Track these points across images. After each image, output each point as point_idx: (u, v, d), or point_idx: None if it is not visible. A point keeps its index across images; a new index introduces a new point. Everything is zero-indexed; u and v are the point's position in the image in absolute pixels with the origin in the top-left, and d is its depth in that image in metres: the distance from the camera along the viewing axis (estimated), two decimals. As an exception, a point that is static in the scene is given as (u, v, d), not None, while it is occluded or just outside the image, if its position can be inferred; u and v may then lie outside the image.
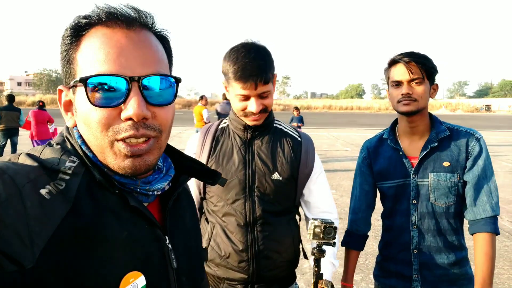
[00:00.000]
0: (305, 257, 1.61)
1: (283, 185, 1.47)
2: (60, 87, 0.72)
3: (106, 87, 0.63)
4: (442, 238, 1.58)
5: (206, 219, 1.55)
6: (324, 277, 1.39)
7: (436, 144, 1.58)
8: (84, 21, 0.66)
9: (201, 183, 1.52)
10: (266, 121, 1.50)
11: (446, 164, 1.56)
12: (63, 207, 0.59)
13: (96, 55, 0.64)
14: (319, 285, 1.31)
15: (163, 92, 0.68)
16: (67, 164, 0.64)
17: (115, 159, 0.66)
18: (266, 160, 1.47)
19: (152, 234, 0.71)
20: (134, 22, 0.68)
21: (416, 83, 1.54)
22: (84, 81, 0.62)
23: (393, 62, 1.59)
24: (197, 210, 1.60)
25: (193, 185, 1.56)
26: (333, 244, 1.25)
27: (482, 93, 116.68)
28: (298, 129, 1.62)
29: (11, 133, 9.90)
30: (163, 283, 0.72)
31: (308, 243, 1.76)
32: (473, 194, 1.54)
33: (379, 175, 1.70)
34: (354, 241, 1.79)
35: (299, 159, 1.51)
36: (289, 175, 1.48)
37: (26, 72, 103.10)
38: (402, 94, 1.54)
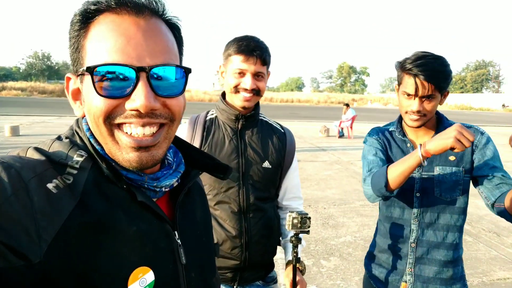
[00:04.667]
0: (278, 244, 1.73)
1: (271, 173, 1.57)
2: (68, 74, 0.70)
3: (113, 76, 0.61)
4: (442, 234, 1.57)
5: None
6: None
7: None
8: (93, 7, 0.64)
9: None
10: (255, 111, 1.59)
11: (452, 158, 1.56)
12: (71, 201, 0.58)
13: (104, 43, 0.62)
14: (298, 266, 1.50)
15: (172, 83, 0.67)
16: (75, 158, 0.64)
17: (119, 150, 0.65)
18: (257, 149, 1.56)
19: (161, 229, 0.71)
20: (144, 9, 0.65)
21: (427, 99, 1.49)
22: (90, 70, 0.61)
23: (407, 72, 1.50)
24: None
25: None
26: (308, 232, 1.42)
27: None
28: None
29: None
30: (172, 278, 0.72)
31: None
32: (493, 176, 1.48)
33: (389, 163, 1.59)
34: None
35: (285, 148, 1.62)
36: (277, 164, 1.58)
37: None
38: (412, 110, 1.50)
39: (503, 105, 61.75)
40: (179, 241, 0.75)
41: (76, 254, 0.57)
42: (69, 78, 0.71)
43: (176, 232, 0.75)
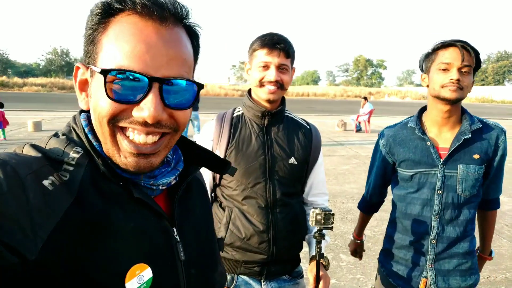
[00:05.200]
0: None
1: (297, 169, 1.59)
2: (78, 63, 0.69)
3: (125, 82, 0.61)
4: (461, 228, 1.59)
5: (220, 205, 1.62)
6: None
7: (469, 136, 1.55)
8: (117, 5, 0.63)
9: None
10: (280, 108, 1.61)
11: (476, 156, 1.56)
12: (67, 198, 0.58)
13: (123, 45, 0.61)
14: (321, 261, 1.52)
15: (183, 96, 0.67)
16: (71, 154, 0.63)
17: (118, 153, 0.65)
18: (283, 145, 1.58)
19: (158, 225, 0.70)
20: (169, 17, 0.64)
21: (466, 71, 1.48)
22: (104, 73, 0.60)
23: (445, 45, 1.52)
24: (209, 198, 1.70)
25: (208, 172, 1.61)
26: (331, 228, 1.44)
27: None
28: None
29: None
30: (171, 275, 0.71)
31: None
32: (495, 181, 1.65)
33: (403, 162, 1.67)
34: (368, 207, 1.94)
35: (311, 145, 1.64)
36: (303, 160, 1.60)
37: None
38: (450, 79, 1.47)
39: (526, 98, 59.98)
40: (177, 237, 0.74)
41: (73, 251, 0.56)
42: (78, 68, 0.70)
43: (174, 229, 0.74)
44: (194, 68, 0.73)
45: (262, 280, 1.61)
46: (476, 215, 1.68)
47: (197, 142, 1.64)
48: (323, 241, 1.49)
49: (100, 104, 0.63)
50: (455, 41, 1.49)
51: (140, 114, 0.62)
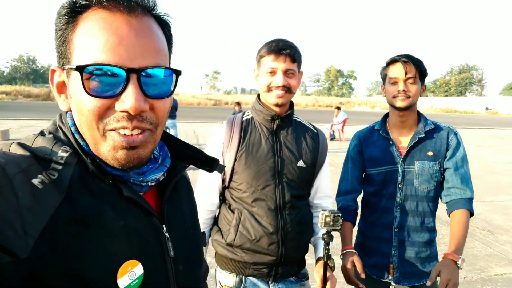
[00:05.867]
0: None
1: (305, 172, 1.65)
2: (53, 66, 0.69)
3: (103, 77, 0.61)
4: (420, 219, 1.81)
5: (229, 207, 1.65)
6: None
7: (423, 135, 1.81)
8: (83, 2, 0.62)
9: (228, 170, 1.61)
10: (289, 112, 1.67)
11: (430, 153, 1.80)
12: (56, 197, 0.58)
13: (95, 41, 0.61)
14: (328, 263, 1.54)
15: (162, 85, 0.67)
16: (60, 153, 0.63)
17: (108, 150, 0.65)
18: (292, 148, 1.63)
19: (148, 223, 0.71)
20: (136, 7, 0.64)
21: (410, 82, 1.75)
22: (80, 69, 0.60)
23: (392, 61, 1.81)
24: (219, 200, 1.71)
25: (217, 175, 1.64)
26: (340, 230, 1.50)
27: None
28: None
29: None
30: (161, 271, 0.72)
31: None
32: (454, 179, 1.77)
33: (370, 162, 1.90)
34: (349, 215, 1.95)
35: (318, 148, 1.70)
36: (311, 163, 1.66)
37: None
38: (398, 91, 1.76)
39: (487, 108, 63.14)
40: (167, 234, 0.75)
41: (64, 249, 0.57)
42: (54, 71, 0.69)
43: (164, 226, 0.75)
44: (170, 57, 0.74)
45: (270, 282, 1.65)
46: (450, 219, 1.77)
47: (207, 145, 1.68)
48: (330, 243, 1.54)
49: (83, 103, 0.62)
50: (399, 57, 1.78)
51: (123, 106, 0.62)
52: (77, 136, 0.67)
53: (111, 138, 0.64)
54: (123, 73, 0.61)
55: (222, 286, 1.67)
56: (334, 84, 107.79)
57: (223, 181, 1.67)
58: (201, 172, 1.70)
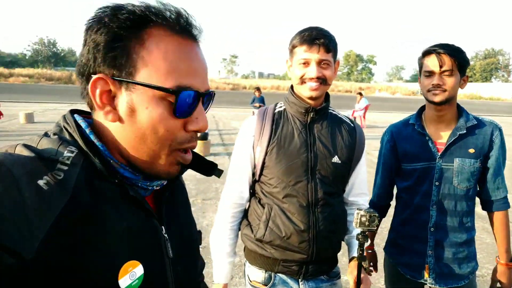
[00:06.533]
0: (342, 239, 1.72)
1: (340, 168, 1.55)
2: (100, 75, 0.65)
3: (186, 100, 0.66)
4: (458, 219, 1.72)
5: (260, 201, 1.58)
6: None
7: (464, 131, 1.69)
8: (154, 18, 0.65)
9: (259, 164, 1.55)
10: (325, 105, 1.57)
11: (471, 150, 1.68)
12: (62, 198, 0.58)
13: (177, 64, 0.66)
14: (363, 264, 1.46)
15: (208, 104, 0.76)
16: (66, 154, 0.63)
17: (165, 165, 0.70)
18: (326, 143, 1.54)
19: (149, 224, 0.73)
20: (198, 35, 0.70)
21: (446, 75, 1.63)
22: (177, 92, 0.65)
23: (426, 53, 1.68)
24: (249, 193, 1.65)
25: (248, 166, 1.58)
26: (376, 230, 1.40)
27: (417, 77, 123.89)
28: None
29: None
30: (160, 272, 0.74)
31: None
32: (495, 179, 1.71)
33: (404, 157, 1.81)
34: (377, 211, 1.93)
35: (355, 143, 1.60)
36: (346, 159, 1.56)
37: None
38: (432, 84, 1.64)
39: (513, 95, 60.98)
40: (166, 235, 0.76)
41: (68, 250, 0.57)
42: (100, 79, 0.65)
43: (163, 227, 0.77)
44: None
45: (300, 280, 1.59)
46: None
47: (237, 138, 1.61)
48: (365, 243, 1.46)
49: (162, 122, 0.66)
50: (434, 48, 1.66)
51: (196, 126, 0.69)
52: (92, 137, 0.68)
53: (177, 156, 0.70)
54: (201, 95, 0.68)
55: (251, 281, 1.63)
56: (353, 69, 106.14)
57: (253, 174, 1.60)
58: (232, 164, 1.65)
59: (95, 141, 0.68)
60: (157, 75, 0.65)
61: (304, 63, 1.48)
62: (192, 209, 1.05)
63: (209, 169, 0.86)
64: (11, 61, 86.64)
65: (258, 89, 12.58)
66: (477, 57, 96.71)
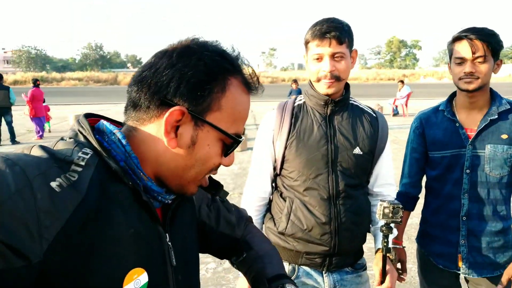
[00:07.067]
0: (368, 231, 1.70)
1: (363, 160, 1.53)
2: (181, 108, 0.66)
3: (237, 145, 0.74)
4: (492, 207, 1.65)
5: (281, 194, 1.59)
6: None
7: (496, 116, 1.62)
8: (238, 67, 0.73)
9: (279, 158, 1.56)
10: (345, 96, 1.55)
11: (504, 136, 1.61)
12: (73, 201, 0.58)
13: (240, 115, 0.74)
14: (388, 255, 1.44)
15: None
16: (80, 155, 0.63)
17: (193, 187, 0.76)
18: (347, 135, 1.52)
19: (155, 231, 0.72)
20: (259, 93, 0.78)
21: (479, 61, 1.54)
22: (237, 139, 0.73)
23: (457, 38, 1.60)
24: (271, 187, 1.66)
25: (269, 160, 1.59)
26: (400, 222, 1.36)
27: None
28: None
29: (2, 112, 9.82)
30: (163, 280, 0.73)
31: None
32: None
33: (433, 144, 1.75)
34: (406, 202, 1.88)
35: (377, 134, 1.56)
36: (368, 150, 1.53)
37: (3, 49, 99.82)
38: (464, 72, 1.56)
39: None
40: (169, 243, 0.76)
41: (75, 254, 0.57)
42: (179, 112, 0.66)
43: (167, 234, 0.76)
44: None
45: (323, 272, 1.58)
46: None
47: (258, 132, 1.63)
48: (390, 235, 1.43)
49: (213, 159, 0.73)
50: (465, 33, 1.56)
51: (228, 162, 0.77)
52: (128, 148, 0.69)
53: (202, 180, 0.77)
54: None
55: None
56: (396, 55, 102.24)
57: (274, 168, 1.61)
58: (253, 158, 1.67)
59: (131, 152, 0.69)
60: (226, 120, 0.71)
61: (317, 58, 1.47)
62: (231, 203, 1.09)
63: (215, 188, 0.86)
64: (63, 66, 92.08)
65: (295, 81, 12.54)
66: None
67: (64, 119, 13.76)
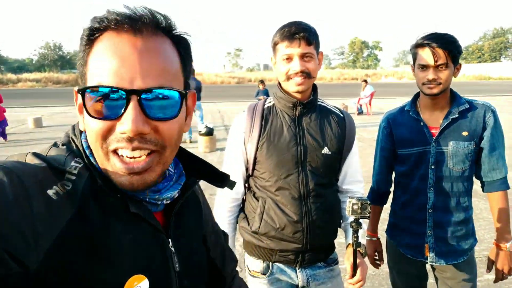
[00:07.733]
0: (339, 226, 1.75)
1: (331, 159, 1.58)
2: (75, 88, 0.67)
3: (104, 99, 0.61)
4: (455, 199, 1.77)
5: (254, 195, 1.62)
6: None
7: (457, 115, 1.73)
8: (96, 25, 0.63)
9: (251, 160, 1.59)
10: (313, 97, 1.59)
11: (465, 133, 1.72)
12: (69, 209, 0.58)
13: (101, 63, 0.62)
14: (358, 249, 1.49)
15: (165, 106, 0.65)
16: (73, 164, 0.63)
17: (113, 174, 0.64)
18: (315, 136, 1.56)
19: (155, 237, 0.71)
20: (143, 28, 0.63)
21: (441, 68, 1.64)
22: (82, 91, 0.62)
23: (420, 45, 1.68)
24: (243, 187, 1.68)
25: (241, 162, 1.61)
26: (368, 217, 1.43)
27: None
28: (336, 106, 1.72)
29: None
30: (166, 286, 0.72)
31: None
32: (489, 160, 1.74)
33: (400, 143, 1.86)
34: (378, 198, 2.03)
35: (344, 134, 1.62)
36: (336, 149, 1.59)
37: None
38: (427, 79, 1.66)
39: (524, 73, 59.81)
40: (172, 249, 0.75)
41: (72, 262, 0.57)
42: (76, 92, 0.67)
43: (170, 240, 0.75)
44: (186, 76, 0.73)
45: (297, 267, 1.63)
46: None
47: (229, 135, 1.64)
48: (359, 230, 1.49)
49: (88, 124, 0.63)
50: (428, 41, 1.64)
51: (122, 128, 0.61)
52: (88, 152, 0.67)
53: (114, 163, 0.64)
54: (123, 94, 0.60)
55: (250, 271, 1.68)
56: (359, 56, 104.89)
57: (246, 169, 1.64)
58: (225, 160, 1.68)
59: (90, 157, 0.67)
60: (90, 77, 0.63)
61: (287, 59, 1.50)
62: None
63: (222, 180, 0.85)
64: (19, 67, 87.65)
65: (262, 82, 12.62)
66: (485, 37, 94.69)
67: (22, 122, 13.12)
